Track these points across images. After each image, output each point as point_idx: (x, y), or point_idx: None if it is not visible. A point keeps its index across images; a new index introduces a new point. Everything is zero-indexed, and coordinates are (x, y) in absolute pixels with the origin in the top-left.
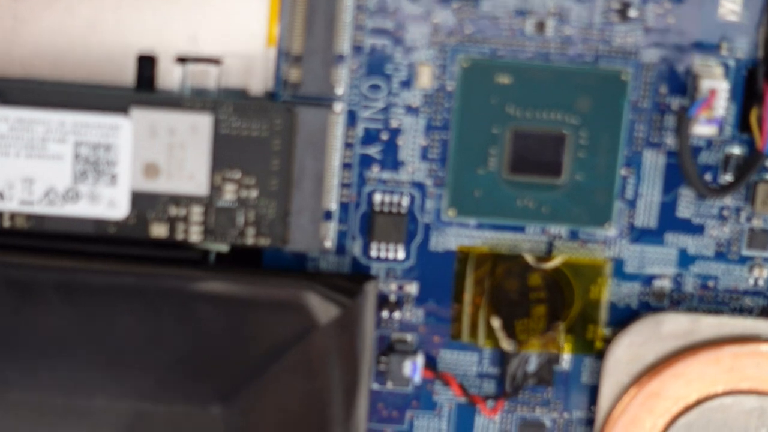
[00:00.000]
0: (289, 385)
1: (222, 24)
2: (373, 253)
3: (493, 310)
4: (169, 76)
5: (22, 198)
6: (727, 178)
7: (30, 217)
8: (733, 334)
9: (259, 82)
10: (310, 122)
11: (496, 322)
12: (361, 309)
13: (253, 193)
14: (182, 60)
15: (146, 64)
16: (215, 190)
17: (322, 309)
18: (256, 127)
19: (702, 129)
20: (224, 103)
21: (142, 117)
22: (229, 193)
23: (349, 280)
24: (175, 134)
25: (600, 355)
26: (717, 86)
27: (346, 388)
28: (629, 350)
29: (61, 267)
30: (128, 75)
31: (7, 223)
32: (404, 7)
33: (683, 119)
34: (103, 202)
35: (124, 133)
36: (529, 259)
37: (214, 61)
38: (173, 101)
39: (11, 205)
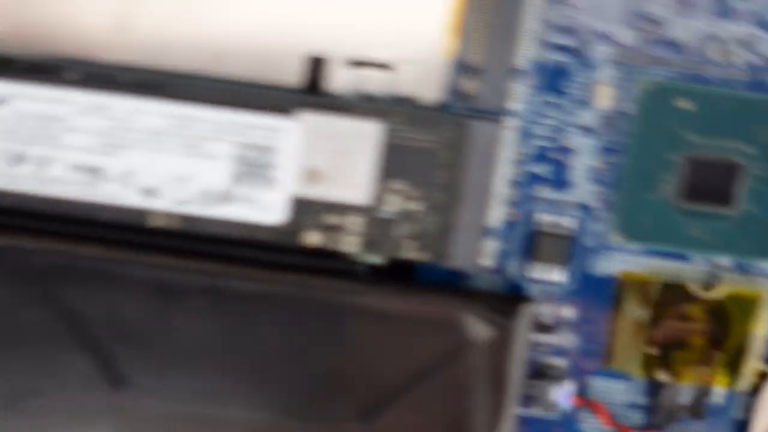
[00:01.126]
0: (433, 406)
1: (397, 29)
2: (532, 274)
3: (651, 339)
4: (337, 79)
5: (174, 197)
6: None
7: (181, 218)
8: None
9: (430, 91)
10: (482, 136)
11: (653, 351)
12: (515, 331)
13: (417, 206)
14: (353, 63)
15: (316, 66)
16: (378, 200)
17: (477, 329)
18: (425, 138)
19: None
20: (395, 112)
21: (308, 120)
22: (392, 204)
23: (506, 301)
24: (341, 140)
25: (754, 391)
26: None
27: (491, 411)
28: None
29: (209, 271)
30: (291, 75)
31: (156, 222)
32: (589, 24)
33: None
34: (258, 206)
35: (287, 136)
36: (694, 288)
37: (386, 66)
38: (342, 106)
39: (163, 204)
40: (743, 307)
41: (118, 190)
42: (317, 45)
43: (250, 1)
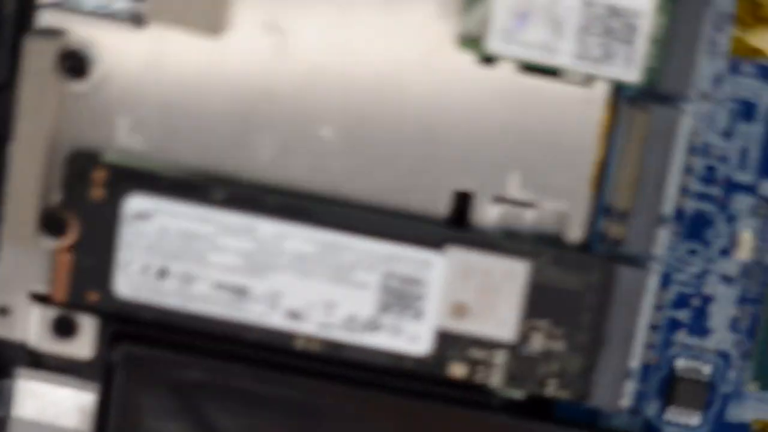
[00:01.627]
0: None
1: (545, 167)
2: (668, 417)
3: None
4: (485, 214)
5: (321, 321)
6: None
7: (326, 342)
8: None
9: (575, 231)
10: (628, 281)
11: None
12: None
13: (561, 345)
14: (500, 200)
15: (463, 200)
16: (522, 337)
17: None
18: (571, 279)
19: None
20: (543, 252)
21: (456, 256)
22: (537, 343)
23: None
24: (489, 277)
25: None
26: None
27: None
28: None
29: (352, 397)
30: (443, 205)
31: (301, 345)
32: (731, 175)
33: None
34: (404, 336)
35: (436, 270)
36: None
37: (531, 204)
38: (490, 243)
39: (309, 328)
40: None
41: (263, 310)
42: (465, 180)
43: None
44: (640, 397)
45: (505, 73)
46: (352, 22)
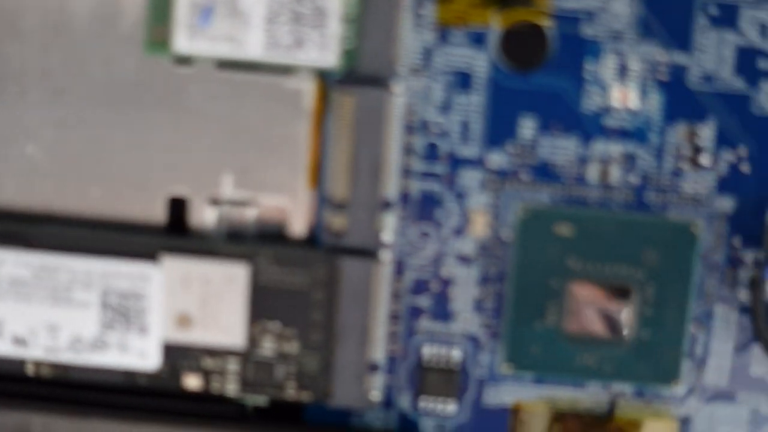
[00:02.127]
0: None
1: (259, 164)
2: (423, 408)
3: None
4: (203, 218)
5: (46, 345)
6: None
7: (55, 366)
8: None
9: (299, 226)
10: (355, 273)
11: None
12: None
13: (294, 346)
14: (216, 202)
15: (177, 206)
16: (253, 342)
17: None
18: (296, 277)
19: None
20: (262, 252)
21: (173, 266)
22: (268, 346)
23: None
24: (209, 284)
25: None
26: None
27: None
28: None
29: (88, 419)
30: (159, 213)
31: (31, 371)
32: (456, 150)
33: (757, 282)
34: (133, 353)
35: (154, 282)
36: (591, 416)
37: (250, 203)
38: (207, 248)
39: (36, 353)
40: None
41: None
42: (179, 185)
43: (114, 142)
44: (391, 390)
45: (204, 72)
46: (66, 39)
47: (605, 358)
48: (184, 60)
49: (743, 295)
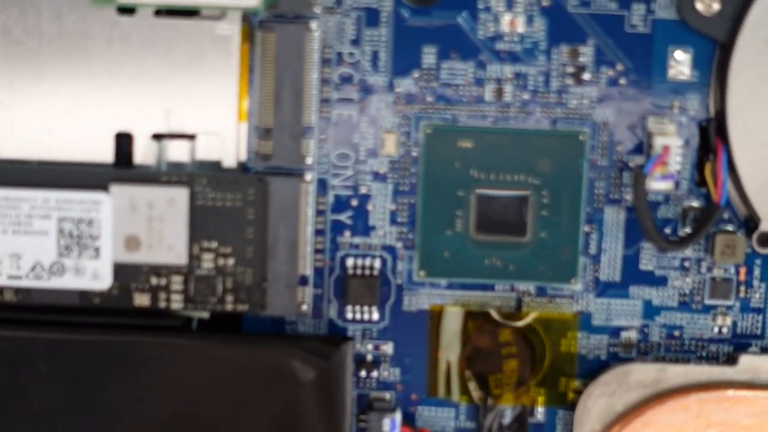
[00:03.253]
0: None
1: (195, 101)
2: (349, 316)
3: (467, 366)
4: (147, 153)
5: (9, 273)
6: (687, 230)
7: (17, 291)
8: (699, 381)
9: (232, 155)
10: (282, 192)
11: (471, 378)
12: (338, 369)
13: (230, 262)
14: (158, 137)
15: (123, 142)
16: (194, 259)
17: (301, 371)
18: (230, 198)
19: (658, 185)
20: (199, 177)
21: (120, 193)
22: (207, 262)
23: (326, 342)
24: (153, 208)
25: (573, 407)
26: (670, 143)
27: None
28: (599, 401)
29: (49, 338)
30: (108, 149)
31: None
32: (367, 79)
33: (639, 176)
34: (87, 275)
35: (104, 209)
36: (498, 316)
37: (189, 136)
38: (150, 176)
39: (0, 281)
40: (550, 329)
41: None
42: (126, 123)
43: (62, 90)
44: (320, 300)
45: (146, 19)
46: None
47: (509, 260)
48: (127, 9)
49: (629, 195)
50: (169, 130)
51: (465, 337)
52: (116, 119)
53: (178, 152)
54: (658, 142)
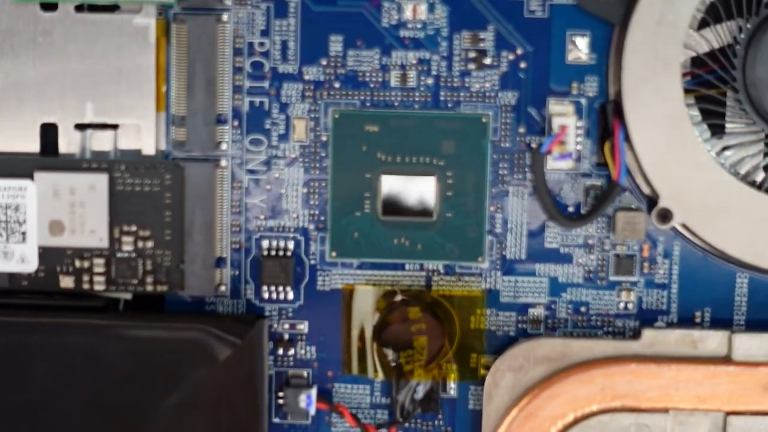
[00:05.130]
0: (194, 421)
1: (116, 93)
2: (265, 295)
3: (379, 343)
4: (71, 143)
5: None
6: (589, 208)
7: None
8: (604, 354)
9: (152, 144)
10: (198, 177)
11: (384, 354)
12: (254, 346)
13: (149, 244)
14: (81, 127)
15: (49, 133)
16: (115, 242)
17: (218, 348)
18: (148, 183)
19: (558, 164)
20: (118, 163)
21: (44, 179)
22: (128, 245)
23: (242, 321)
24: (75, 193)
25: (484, 382)
26: (567, 122)
27: (246, 422)
28: (507, 375)
29: None
30: (34, 139)
31: None
32: (277, 67)
33: (537, 155)
34: (15, 258)
35: (29, 195)
36: (409, 294)
37: (111, 126)
38: (72, 164)
39: None
40: (459, 306)
41: None
42: (50, 114)
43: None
44: (238, 281)
45: (67, 15)
46: None
47: (417, 240)
48: (48, 5)
49: (531, 176)
50: (92, 121)
51: (378, 315)
52: (42, 111)
53: (101, 142)
54: (556, 122)
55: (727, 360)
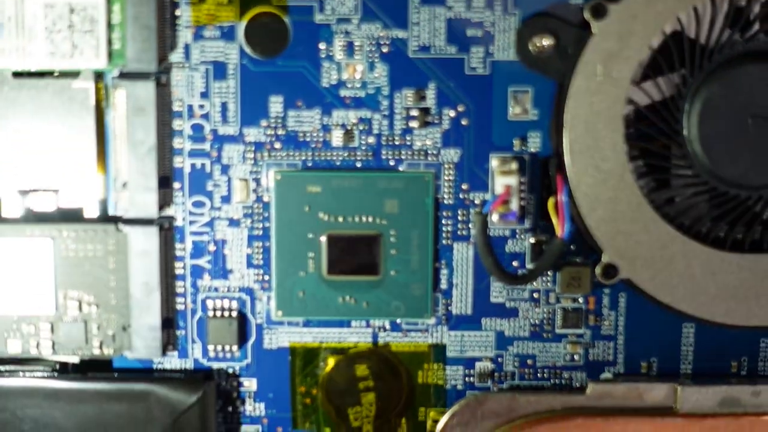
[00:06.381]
0: None
1: (57, 156)
2: (212, 354)
3: (327, 400)
4: (13, 207)
5: None
6: (533, 264)
7: None
8: (551, 407)
9: (92, 206)
10: (140, 241)
11: (332, 411)
12: (202, 406)
13: (95, 309)
14: (23, 192)
15: None
16: (61, 308)
17: (165, 410)
18: (92, 248)
19: (502, 221)
20: (63, 230)
21: None
22: (74, 310)
23: (189, 381)
24: (20, 259)
25: None
26: (511, 182)
27: None
28: (456, 429)
29: None
30: None
31: None
32: (218, 129)
33: (479, 216)
34: None
35: None
36: (358, 350)
37: (53, 191)
38: (16, 230)
39: None
40: (406, 362)
41: None
42: None
43: None
44: (185, 340)
45: (5, 80)
46: None
47: (363, 298)
48: None
49: (474, 236)
50: (34, 185)
51: (325, 372)
52: None
53: (43, 205)
54: (499, 182)
55: (673, 412)
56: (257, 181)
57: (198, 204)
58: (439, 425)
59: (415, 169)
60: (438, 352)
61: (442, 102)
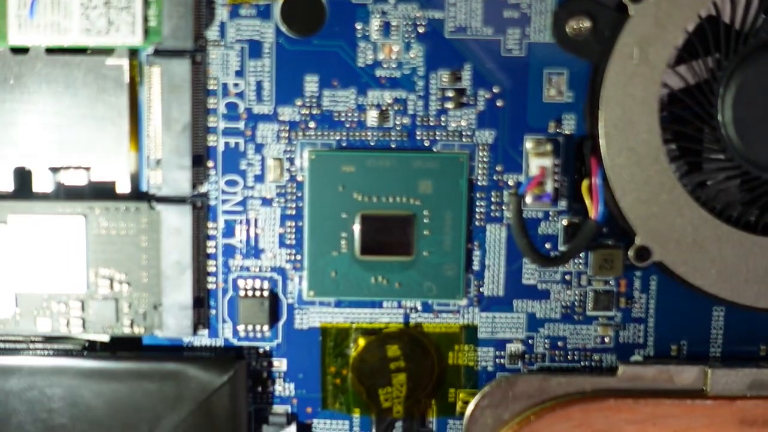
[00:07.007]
0: None
1: (89, 133)
2: (242, 334)
3: (358, 381)
4: (45, 183)
5: None
6: (567, 246)
7: None
8: (581, 390)
9: (124, 184)
10: (173, 219)
11: (362, 391)
12: (232, 386)
13: (126, 288)
14: (55, 169)
15: (22, 174)
16: (92, 286)
17: (196, 389)
18: (123, 225)
19: (536, 203)
20: (94, 208)
21: (19, 224)
22: (105, 289)
23: (220, 361)
24: (50, 236)
25: (463, 417)
26: (545, 164)
27: None
28: (486, 411)
29: None
30: (8, 182)
31: None
32: (252, 108)
33: (514, 198)
34: None
35: (3, 239)
36: (390, 331)
37: (84, 167)
38: (48, 207)
39: None
40: (437, 343)
41: None
42: (23, 155)
43: None
44: (215, 320)
45: (38, 57)
46: None
47: (396, 278)
48: (21, 50)
49: (510, 214)
50: (65, 162)
51: (355, 353)
52: (15, 152)
53: (74, 182)
54: (534, 163)
55: (703, 394)
56: (291, 160)
57: (231, 183)
58: (470, 406)
59: (450, 150)
60: (469, 333)
61: (477, 83)
